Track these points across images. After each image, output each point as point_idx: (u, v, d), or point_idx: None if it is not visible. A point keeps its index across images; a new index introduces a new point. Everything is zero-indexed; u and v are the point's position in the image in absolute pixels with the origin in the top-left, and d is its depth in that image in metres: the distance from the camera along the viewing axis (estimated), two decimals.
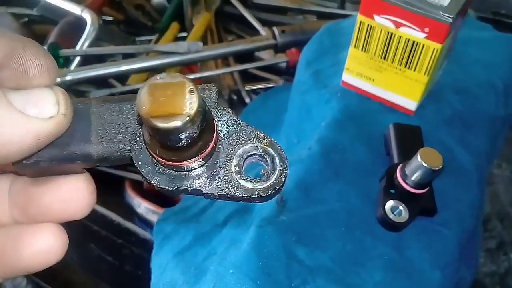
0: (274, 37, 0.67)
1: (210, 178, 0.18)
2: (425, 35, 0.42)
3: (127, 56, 0.74)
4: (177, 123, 0.15)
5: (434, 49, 0.42)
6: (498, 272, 1.80)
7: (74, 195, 0.20)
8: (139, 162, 0.18)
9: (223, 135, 0.19)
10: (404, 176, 0.38)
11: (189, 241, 0.42)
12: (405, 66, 0.45)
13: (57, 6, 0.76)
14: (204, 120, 0.17)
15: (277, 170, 0.19)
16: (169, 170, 0.18)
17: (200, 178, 0.18)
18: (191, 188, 0.18)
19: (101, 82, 0.71)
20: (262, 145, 0.19)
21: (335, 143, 0.45)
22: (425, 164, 0.36)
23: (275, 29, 0.67)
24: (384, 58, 0.46)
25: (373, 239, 0.38)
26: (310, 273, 0.35)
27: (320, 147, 0.44)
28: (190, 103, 0.16)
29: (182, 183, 0.18)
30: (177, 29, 0.77)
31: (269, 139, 0.19)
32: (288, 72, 0.69)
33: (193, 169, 0.18)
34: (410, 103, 0.47)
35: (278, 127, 0.57)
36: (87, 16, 0.71)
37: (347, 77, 0.50)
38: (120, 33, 0.84)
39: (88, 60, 0.72)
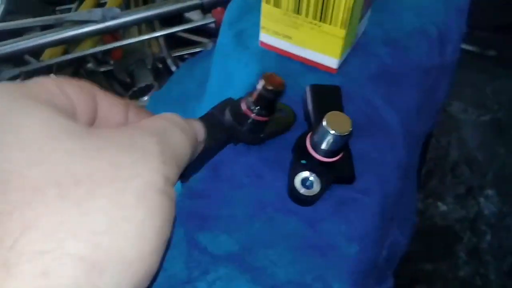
0: None
1: None
2: None
3: (46, 29, 0.67)
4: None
5: None
6: (467, 217, 1.83)
7: None
8: None
9: None
10: (314, 145, 0.34)
11: None
12: (320, 20, 0.40)
13: None
14: None
15: None
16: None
17: None
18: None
19: (15, 59, 0.65)
20: None
21: None
22: (332, 131, 0.32)
23: None
24: (298, 13, 0.41)
25: (285, 215, 0.35)
26: (212, 261, 0.32)
27: None
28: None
29: None
30: None
31: None
32: (218, 34, 0.64)
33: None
34: (331, 61, 0.43)
35: (203, 97, 0.53)
36: None
37: (265, 36, 0.45)
38: (38, 3, 0.77)
39: (1, 36, 0.65)
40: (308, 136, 0.35)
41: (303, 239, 0.34)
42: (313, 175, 0.35)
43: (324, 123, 0.32)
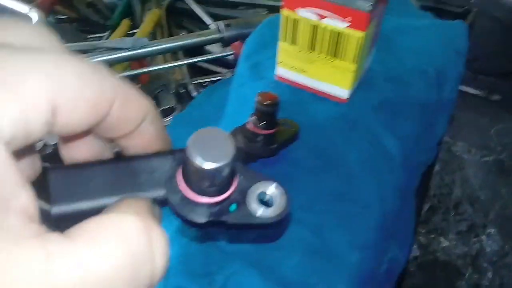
0: (220, 31, 0.68)
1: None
2: (347, 24, 0.44)
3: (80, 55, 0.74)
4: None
5: (357, 37, 0.43)
6: (469, 253, 1.84)
7: None
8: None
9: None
10: None
11: None
12: (333, 56, 0.46)
13: (4, 5, 0.75)
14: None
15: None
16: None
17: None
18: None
19: None
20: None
21: None
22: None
23: (220, 23, 0.68)
24: (312, 50, 0.47)
25: (293, 223, 0.39)
26: (227, 258, 0.36)
27: None
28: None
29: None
30: (128, 26, 0.78)
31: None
32: (236, 65, 0.70)
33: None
34: (343, 92, 0.48)
35: (221, 121, 0.58)
36: (34, 15, 0.71)
37: (281, 70, 0.51)
38: (72, 31, 0.84)
39: None
40: None
41: (309, 246, 0.38)
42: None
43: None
